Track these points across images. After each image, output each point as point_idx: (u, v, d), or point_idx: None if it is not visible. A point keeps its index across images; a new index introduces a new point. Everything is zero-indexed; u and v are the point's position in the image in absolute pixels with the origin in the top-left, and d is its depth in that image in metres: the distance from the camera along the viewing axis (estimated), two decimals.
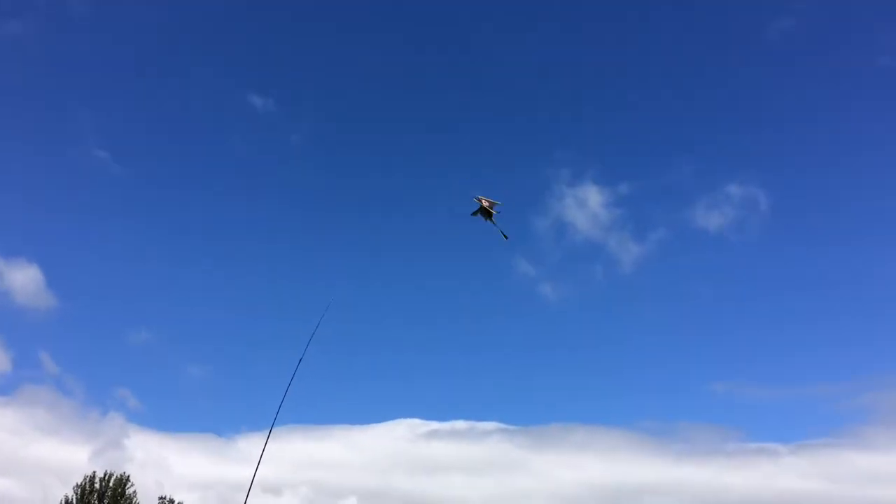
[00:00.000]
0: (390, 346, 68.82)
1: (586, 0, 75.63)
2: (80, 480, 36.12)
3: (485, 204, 20.27)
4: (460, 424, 60.86)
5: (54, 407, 50.64)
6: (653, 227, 69.06)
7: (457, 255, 72.73)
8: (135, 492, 36.66)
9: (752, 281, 71.89)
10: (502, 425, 60.52)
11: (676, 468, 54.75)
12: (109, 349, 59.31)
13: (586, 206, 67.34)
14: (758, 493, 53.18)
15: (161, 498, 37.70)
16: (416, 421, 60.10)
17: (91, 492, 35.94)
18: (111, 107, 67.61)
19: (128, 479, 36.64)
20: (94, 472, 36.33)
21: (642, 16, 75.13)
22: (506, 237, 20.47)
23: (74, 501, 35.77)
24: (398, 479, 54.61)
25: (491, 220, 20.45)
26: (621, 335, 69.38)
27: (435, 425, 60.01)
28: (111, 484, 36.28)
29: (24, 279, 54.05)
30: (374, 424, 59.50)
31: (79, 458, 46.72)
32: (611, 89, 75.78)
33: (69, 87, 66.09)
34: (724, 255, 70.49)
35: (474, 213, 20.58)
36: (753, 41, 73.06)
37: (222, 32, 71.46)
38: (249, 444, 49.12)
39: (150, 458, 47.44)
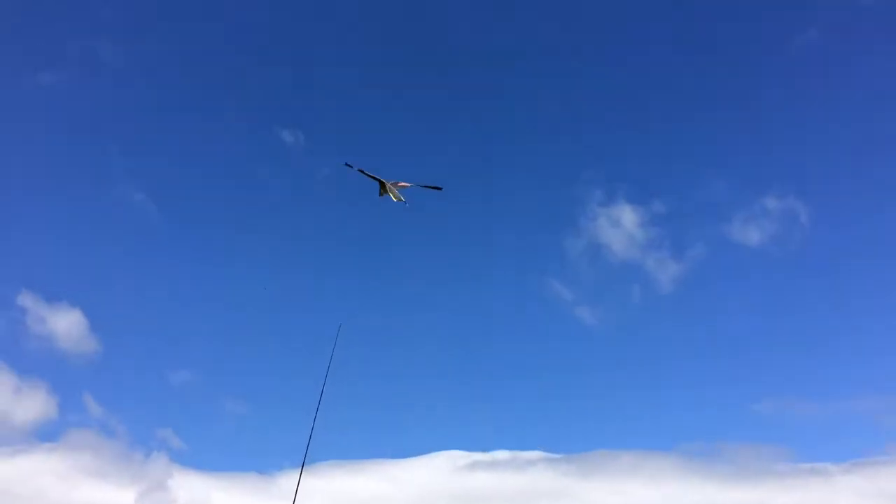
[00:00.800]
0: (426, 377, 68.03)
1: (608, 17, 75.27)
2: None
3: (396, 189, 19.03)
4: (502, 454, 59.71)
5: (99, 450, 50.98)
6: (690, 244, 68.14)
7: (491, 280, 72.16)
8: None
9: (795, 294, 70.23)
10: (545, 454, 59.26)
11: (724, 491, 53.14)
12: (152, 390, 59.80)
13: (620, 225, 66.38)
14: None
15: None
16: (457, 452, 59.09)
17: None
18: (147, 149, 69.28)
19: None
20: None
21: (666, 31, 74.83)
22: (402, 199, 19.13)
23: None
24: None
25: (390, 192, 19.21)
26: (662, 356, 67.96)
27: (476, 456, 58.91)
28: None
29: (68, 324, 54.69)
30: (415, 457, 58.64)
31: (125, 500, 46.99)
32: (638, 106, 75.38)
33: (104, 132, 67.87)
34: (766, 270, 68.95)
35: (381, 194, 19.37)
36: (778, 53, 72.26)
37: (250, 69, 72.94)
38: (291, 481, 48.70)
39: (194, 498, 47.52)
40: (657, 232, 70.13)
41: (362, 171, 18.92)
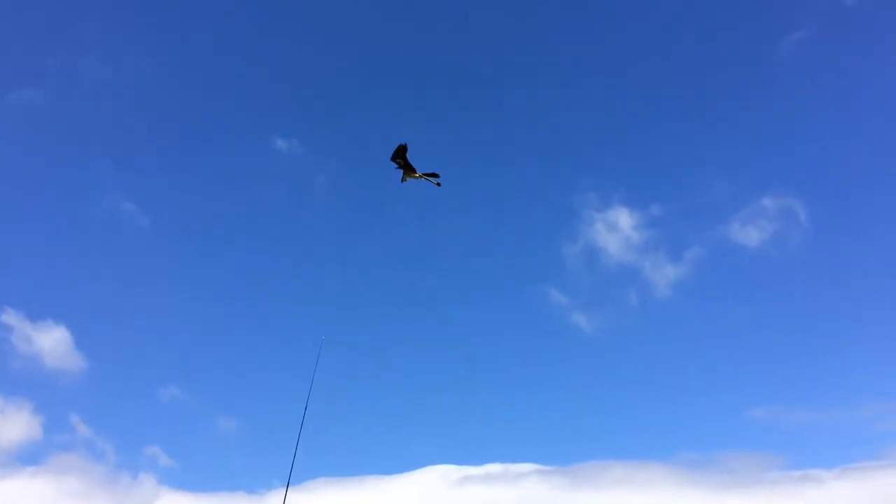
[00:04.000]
0: (415, 390, 67.62)
1: (599, 21, 76.14)
2: None
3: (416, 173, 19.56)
4: (494, 467, 59.28)
5: (85, 473, 50.15)
6: (688, 246, 68.33)
7: (483, 287, 72.01)
8: None
9: (790, 297, 70.53)
10: (538, 466, 58.86)
11: (718, 500, 52.93)
12: (139, 407, 58.98)
13: (617, 229, 66.57)
14: None
15: None
16: (449, 467, 58.60)
17: None
18: (135, 159, 68.64)
19: None
20: None
21: (658, 34, 75.70)
22: (437, 183, 19.57)
23: None
24: None
25: (417, 175, 19.67)
26: (657, 363, 67.84)
27: (468, 470, 58.46)
28: None
29: (52, 341, 53.89)
30: (406, 473, 58.07)
31: None
32: (630, 109, 76.02)
33: (89, 144, 67.15)
34: (765, 271, 69.23)
35: (403, 180, 19.86)
36: (769, 53, 73.36)
37: (242, 77, 72.78)
38: (279, 500, 48.13)
39: None
40: (654, 235, 70.06)
41: (400, 161, 19.12)
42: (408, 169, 19.47)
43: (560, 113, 78.64)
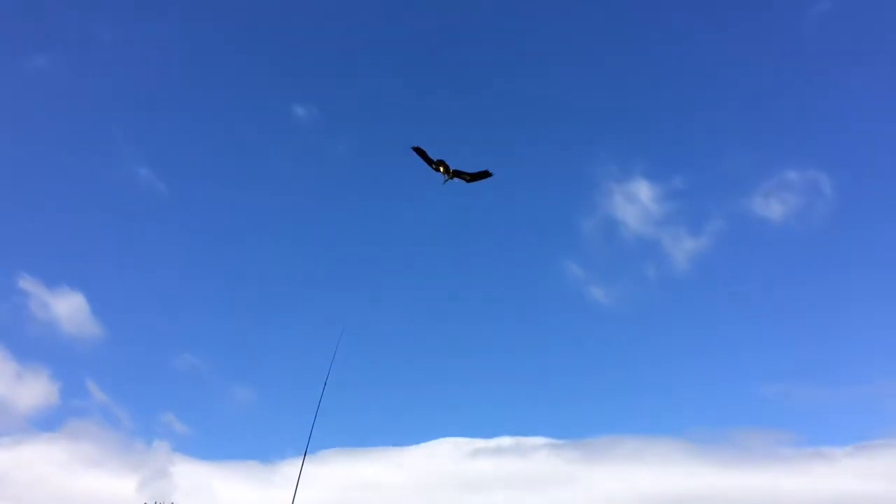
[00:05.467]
0: (429, 364, 67.51)
1: None
2: None
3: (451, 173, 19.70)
4: (506, 441, 59.50)
5: (101, 439, 50.75)
6: (709, 219, 67.35)
7: (500, 258, 71.30)
8: None
9: (812, 273, 69.35)
10: (549, 440, 59.02)
11: (729, 475, 52.98)
12: (155, 374, 59.31)
13: (637, 201, 65.54)
14: (814, 497, 51.32)
15: None
16: (460, 439, 58.90)
17: None
18: (151, 125, 68.23)
19: None
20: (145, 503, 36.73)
21: (684, 8, 74.10)
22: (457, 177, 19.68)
23: None
24: (444, 499, 53.78)
25: (468, 177, 19.85)
26: (671, 338, 67.15)
27: (480, 443, 58.71)
28: None
29: (69, 308, 54.26)
30: (418, 445, 58.46)
31: (127, 489, 46.83)
32: (653, 79, 74.57)
33: (104, 110, 66.82)
34: (786, 246, 68.09)
35: (445, 182, 20.12)
36: (793, 24, 71.72)
37: (261, 44, 71.92)
38: (293, 469, 48.43)
39: (195, 487, 47.36)
40: (674, 207, 68.97)
41: (424, 154, 19.27)
42: (445, 169, 19.54)
43: (580, 82, 77.58)
